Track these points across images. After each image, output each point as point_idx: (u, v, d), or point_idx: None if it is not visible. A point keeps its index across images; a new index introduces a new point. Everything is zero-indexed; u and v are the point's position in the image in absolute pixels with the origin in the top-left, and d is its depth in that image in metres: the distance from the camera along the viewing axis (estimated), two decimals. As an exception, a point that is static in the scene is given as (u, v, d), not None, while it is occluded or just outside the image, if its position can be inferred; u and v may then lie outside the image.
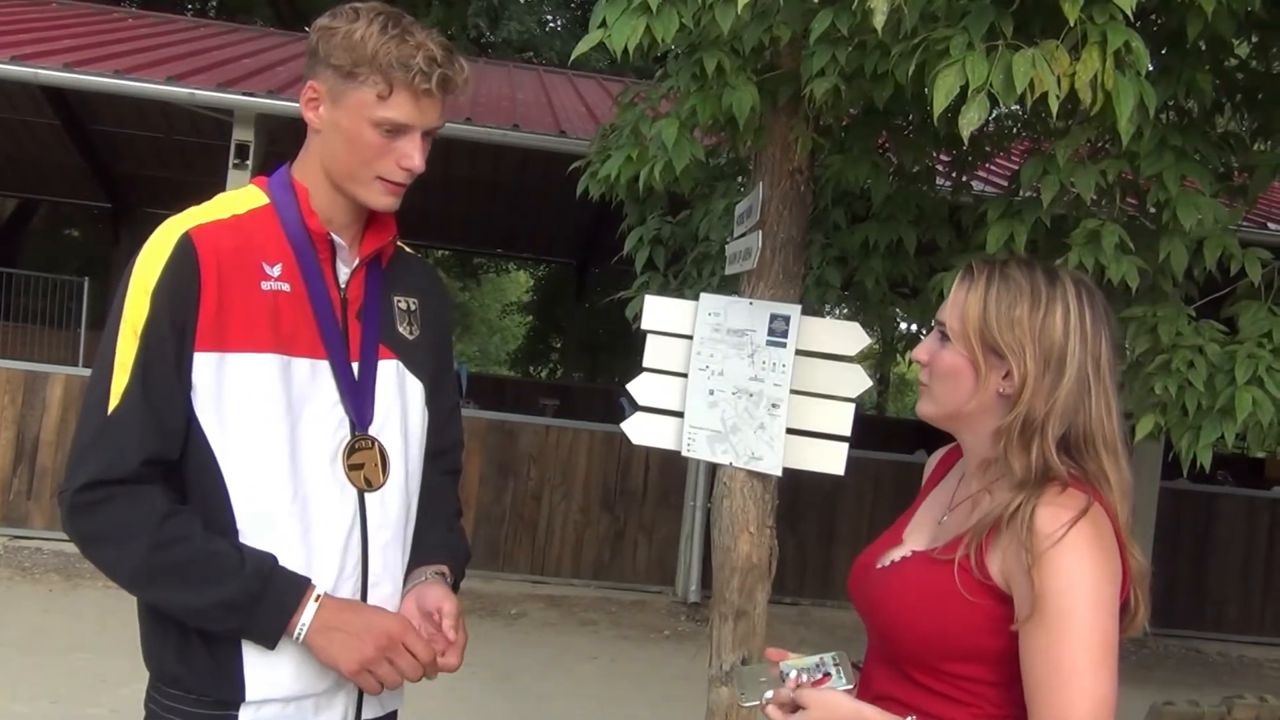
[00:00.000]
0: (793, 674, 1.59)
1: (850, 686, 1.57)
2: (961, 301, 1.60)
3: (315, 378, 1.74)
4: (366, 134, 1.70)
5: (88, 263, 16.80)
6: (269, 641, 1.66)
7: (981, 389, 1.57)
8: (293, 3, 19.10)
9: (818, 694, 1.54)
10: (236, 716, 1.69)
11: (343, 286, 1.81)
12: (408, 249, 2.00)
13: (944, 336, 1.62)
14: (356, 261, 1.82)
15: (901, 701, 1.59)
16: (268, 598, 1.64)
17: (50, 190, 14.55)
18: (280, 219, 1.76)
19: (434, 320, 1.95)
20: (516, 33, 17.46)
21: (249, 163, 8.04)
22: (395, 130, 1.71)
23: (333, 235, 1.78)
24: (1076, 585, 1.44)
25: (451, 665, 1.76)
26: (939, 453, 1.85)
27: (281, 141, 8.73)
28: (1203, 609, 9.39)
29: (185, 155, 12.08)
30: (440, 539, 1.92)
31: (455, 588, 1.90)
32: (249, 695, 1.68)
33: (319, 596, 1.67)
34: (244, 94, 8.05)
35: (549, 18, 19.22)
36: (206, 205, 1.77)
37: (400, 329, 1.88)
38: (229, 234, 1.71)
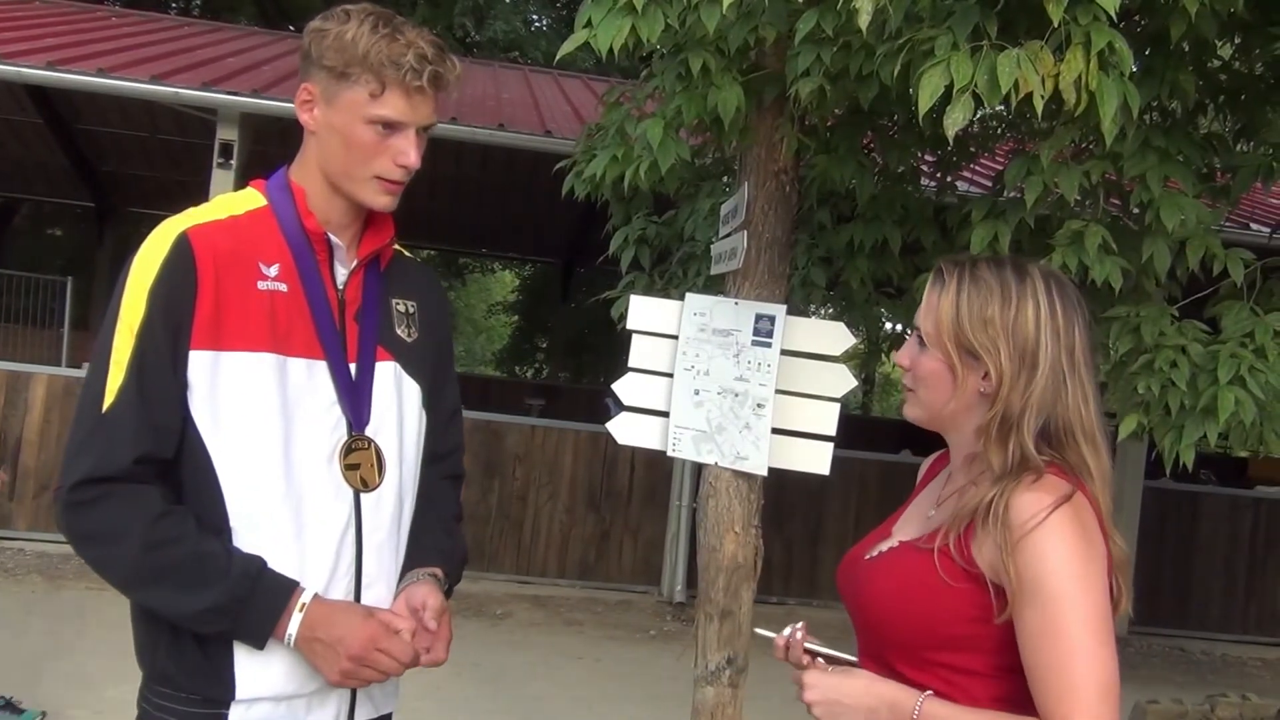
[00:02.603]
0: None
1: None
2: (934, 306, 1.62)
3: (311, 378, 1.75)
4: (361, 133, 1.72)
5: (71, 262, 16.72)
6: (257, 644, 1.67)
7: (960, 390, 1.59)
8: (277, 1, 19.05)
9: (820, 675, 1.59)
10: (227, 715, 1.69)
11: (340, 287, 1.82)
12: (406, 252, 2.01)
13: (921, 341, 1.64)
14: (354, 263, 1.84)
15: None
16: (255, 601, 1.64)
17: (33, 189, 14.47)
18: (278, 220, 1.78)
19: (433, 324, 1.97)
20: (502, 32, 17.44)
21: (233, 162, 8.00)
22: (389, 128, 1.73)
23: (330, 235, 1.79)
24: (1062, 567, 1.45)
25: (438, 659, 1.78)
26: (932, 457, 1.87)
27: (266, 140, 8.70)
28: (1186, 608, 9.43)
29: (169, 154, 12.03)
30: (435, 542, 1.93)
31: (450, 590, 1.91)
32: (239, 694, 1.69)
33: (304, 605, 1.67)
34: (228, 93, 8.02)
35: (534, 17, 19.21)
36: (205, 206, 1.78)
37: (398, 331, 1.89)
38: (226, 234, 1.72)
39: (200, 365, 1.66)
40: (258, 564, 1.66)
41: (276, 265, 1.74)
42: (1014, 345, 1.55)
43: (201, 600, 1.62)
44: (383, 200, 1.79)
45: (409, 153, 1.75)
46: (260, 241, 1.75)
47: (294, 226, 1.78)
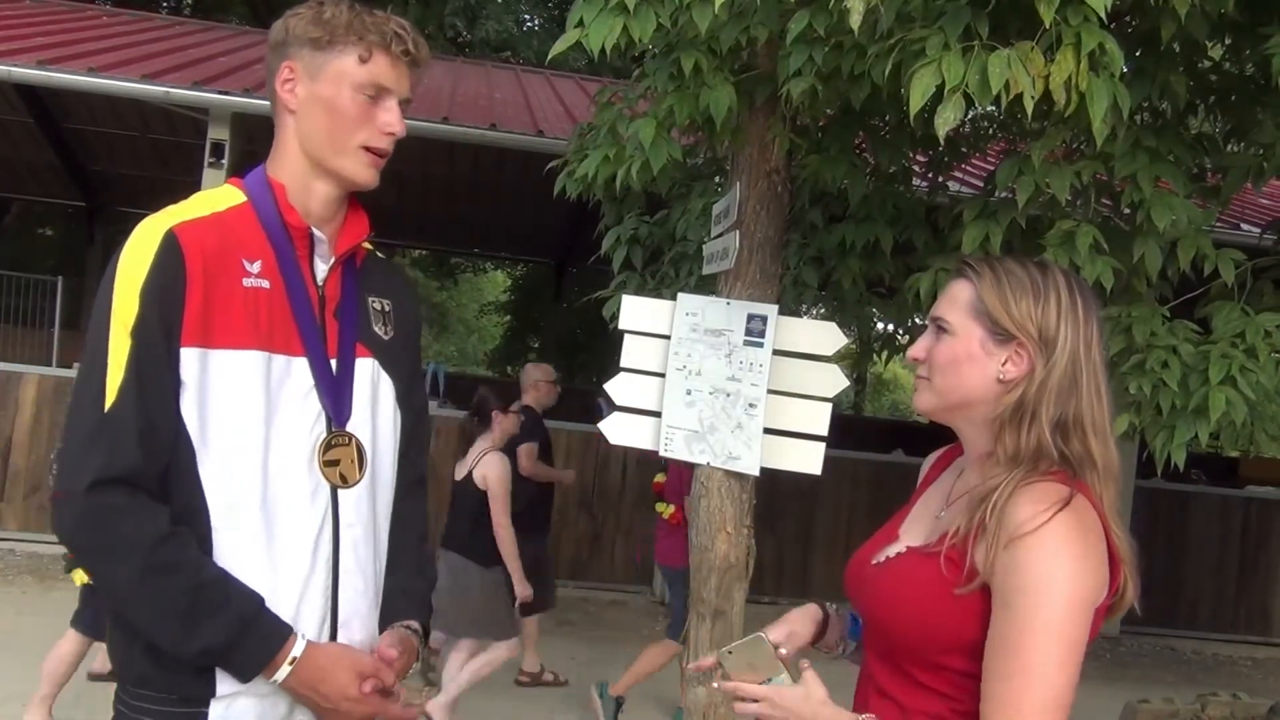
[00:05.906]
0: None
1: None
2: (962, 295, 1.64)
3: (292, 374, 1.75)
4: (348, 101, 1.75)
5: (62, 262, 16.62)
6: (243, 681, 1.68)
7: (981, 376, 1.61)
8: (268, 0, 19.01)
9: (771, 690, 1.60)
10: (206, 714, 1.68)
11: (320, 284, 1.82)
12: (378, 252, 2.01)
13: (941, 330, 1.65)
14: (333, 259, 1.84)
15: (886, 694, 1.62)
16: (245, 646, 1.65)
17: (24, 189, 14.40)
18: (259, 216, 1.78)
19: (406, 322, 1.98)
20: (494, 32, 17.41)
21: (224, 161, 7.98)
22: (376, 94, 1.76)
23: (313, 229, 1.79)
24: (1052, 580, 1.45)
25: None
26: (936, 452, 1.87)
27: (257, 140, 8.65)
28: (1177, 607, 9.45)
29: (160, 154, 11.99)
30: (410, 585, 1.94)
31: (426, 631, 1.95)
32: (220, 690, 1.68)
33: (294, 659, 1.67)
34: (219, 92, 8.01)
35: (526, 17, 19.18)
36: (185, 203, 1.77)
37: (376, 329, 1.90)
38: (211, 231, 1.71)
39: (190, 362, 1.66)
40: (254, 606, 1.66)
41: (259, 262, 1.74)
42: (1039, 335, 1.58)
43: (192, 643, 1.62)
44: (367, 174, 1.80)
45: (394, 119, 1.78)
46: (243, 238, 1.74)
47: (275, 222, 1.78)
